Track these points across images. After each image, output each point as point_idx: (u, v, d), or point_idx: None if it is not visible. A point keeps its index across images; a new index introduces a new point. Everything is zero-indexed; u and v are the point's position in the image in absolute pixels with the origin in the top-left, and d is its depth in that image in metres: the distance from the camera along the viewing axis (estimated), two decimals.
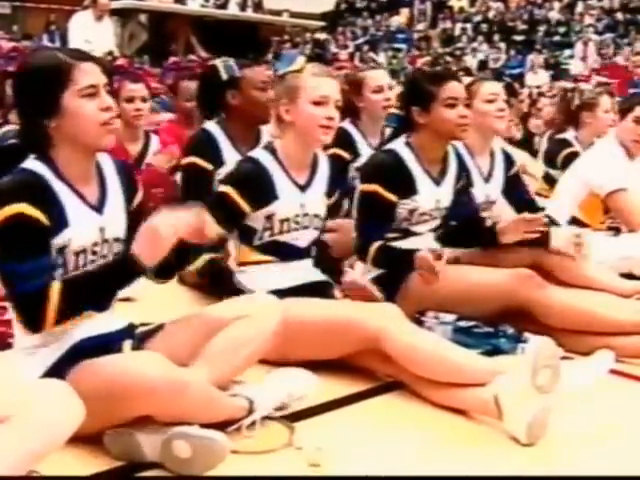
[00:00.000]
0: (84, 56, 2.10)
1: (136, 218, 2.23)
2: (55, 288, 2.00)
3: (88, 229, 2.11)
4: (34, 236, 2.00)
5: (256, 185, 2.70)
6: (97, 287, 2.09)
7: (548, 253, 3.23)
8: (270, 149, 2.77)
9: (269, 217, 2.72)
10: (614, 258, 3.68)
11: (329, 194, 2.92)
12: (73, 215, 2.07)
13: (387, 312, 2.60)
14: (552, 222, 3.51)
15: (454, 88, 3.06)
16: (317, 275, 2.91)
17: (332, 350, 2.64)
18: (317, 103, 2.66)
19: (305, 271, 2.86)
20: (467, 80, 3.68)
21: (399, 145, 3.09)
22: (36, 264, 2.00)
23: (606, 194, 3.85)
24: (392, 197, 3.00)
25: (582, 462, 2.22)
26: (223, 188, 2.73)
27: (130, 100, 4.13)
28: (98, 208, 2.15)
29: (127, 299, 3.38)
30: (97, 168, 2.18)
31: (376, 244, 2.98)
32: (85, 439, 1.97)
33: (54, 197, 2.04)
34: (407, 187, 3.03)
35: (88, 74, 2.04)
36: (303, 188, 2.79)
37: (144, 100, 4.21)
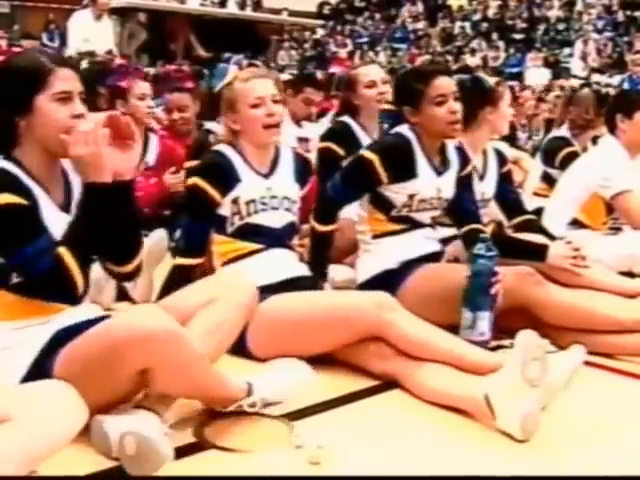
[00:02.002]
0: (64, 62, 2.16)
1: None
2: (64, 253, 2.03)
3: (58, 229, 2.11)
4: (27, 218, 2.05)
5: (219, 171, 2.79)
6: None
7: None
8: (231, 144, 2.85)
9: (235, 201, 2.78)
10: (613, 256, 3.68)
11: (300, 183, 2.97)
12: (46, 213, 2.10)
13: (388, 301, 2.63)
14: (546, 233, 3.51)
15: (442, 84, 3.05)
16: (304, 270, 2.92)
17: (334, 341, 2.66)
18: (255, 105, 2.78)
19: (290, 264, 2.87)
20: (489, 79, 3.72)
21: (405, 129, 3.12)
22: (42, 242, 2.04)
23: (611, 196, 3.84)
24: (383, 174, 3.01)
25: (581, 460, 2.22)
26: (191, 180, 2.81)
27: (142, 98, 4.10)
28: (65, 207, 2.16)
29: (131, 300, 3.39)
30: (62, 171, 2.21)
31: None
32: (86, 439, 1.98)
33: (28, 191, 2.07)
34: (407, 169, 3.05)
35: (64, 80, 2.10)
36: (266, 176, 2.85)
37: (152, 98, 4.21)
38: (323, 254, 3.14)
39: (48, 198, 2.13)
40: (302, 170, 3.01)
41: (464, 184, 3.23)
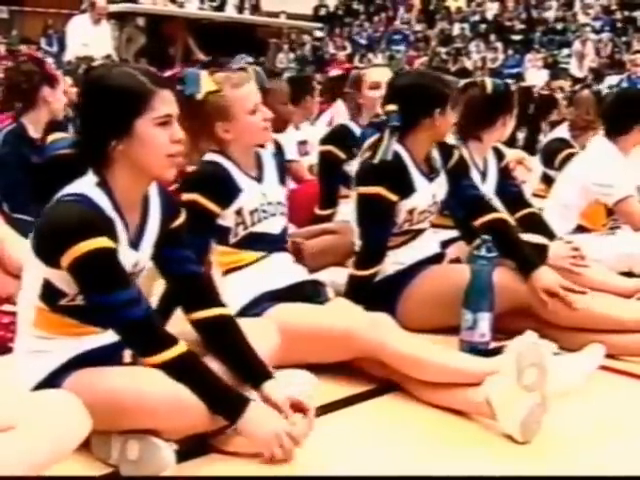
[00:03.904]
0: (164, 82, 2.05)
1: (174, 236, 2.20)
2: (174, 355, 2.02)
3: (126, 264, 2.05)
4: (119, 263, 1.99)
5: (219, 183, 2.69)
6: None
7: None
8: (220, 153, 2.74)
9: (239, 212, 2.71)
10: (613, 256, 3.68)
11: (283, 183, 2.93)
12: (121, 253, 2.02)
13: (384, 323, 2.62)
14: (548, 230, 3.50)
15: None
16: (305, 274, 2.90)
17: (329, 357, 2.66)
18: (252, 112, 2.69)
19: (291, 269, 2.84)
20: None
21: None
22: (134, 289, 2.01)
23: (614, 202, 3.82)
24: (394, 198, 2.98)
25: (583, 461, 2.22)
26: (190, 196, 2.65)
27: None
28: (136, 244, 2.10)
29: None
30: (144, 198, 2.14)
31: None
32: (86, 441, 1.97)
33: (114, 229, 2.01)
34: (406, 186, 3.01)
35: (166, 103, 2.01)
36: (258, 180, 2.79)
37: None
38: (364, 294, 3.01)
39: (125, 233, 2.05)
40: (282, 169, 2.95)
41: (458, 175, 3.19)
